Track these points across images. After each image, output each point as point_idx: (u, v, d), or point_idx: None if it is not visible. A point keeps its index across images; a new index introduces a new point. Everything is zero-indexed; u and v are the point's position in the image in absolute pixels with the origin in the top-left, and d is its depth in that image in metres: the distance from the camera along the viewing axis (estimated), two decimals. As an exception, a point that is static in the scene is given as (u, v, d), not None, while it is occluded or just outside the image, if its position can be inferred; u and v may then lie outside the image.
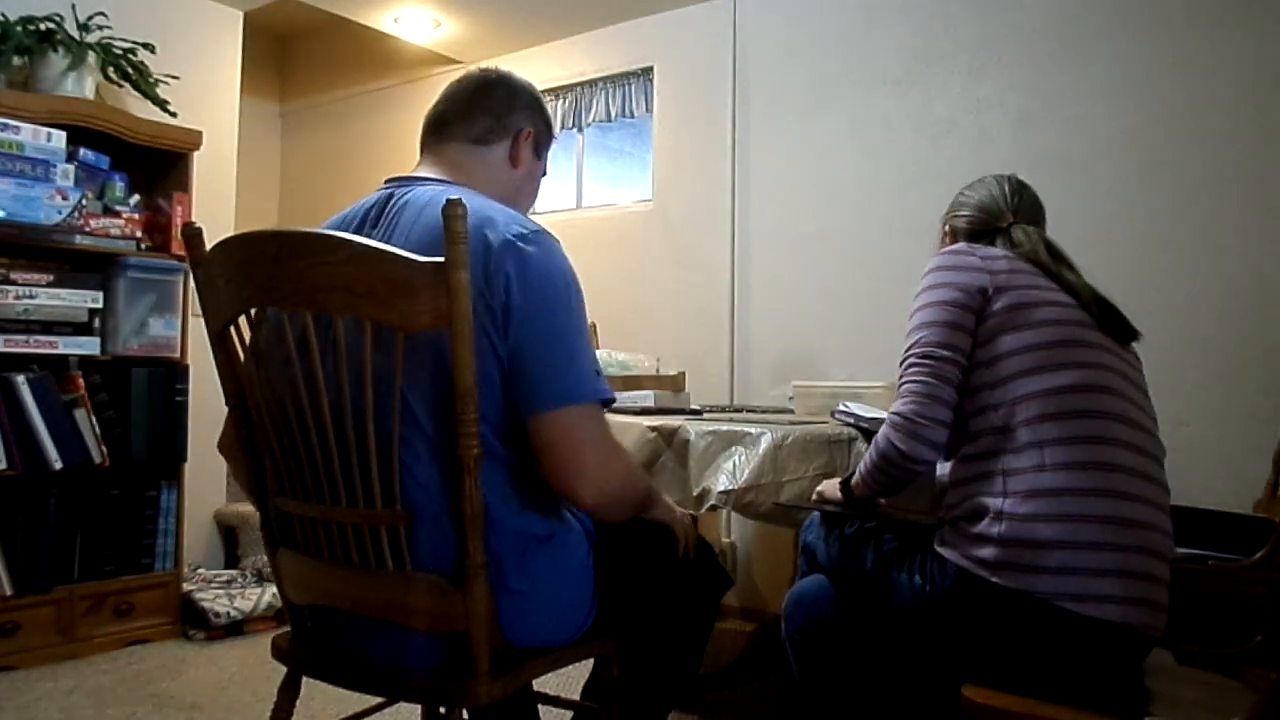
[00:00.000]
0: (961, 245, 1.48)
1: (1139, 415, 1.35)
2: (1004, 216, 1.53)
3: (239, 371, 1.25)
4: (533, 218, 1.27)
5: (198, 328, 2.51)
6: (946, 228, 1.64)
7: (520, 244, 1.14)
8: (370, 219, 1.25)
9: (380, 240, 1.15)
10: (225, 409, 1.30)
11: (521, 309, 1.12)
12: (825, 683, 1.56)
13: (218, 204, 3.30)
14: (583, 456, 1.15)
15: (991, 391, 1.35)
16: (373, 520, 1.11)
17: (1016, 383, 1.33)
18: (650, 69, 3.58)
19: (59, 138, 2.60)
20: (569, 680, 2.22)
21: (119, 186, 2.81)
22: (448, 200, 1.03)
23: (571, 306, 1.17)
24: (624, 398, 2.40)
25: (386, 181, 1.32)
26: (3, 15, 2.69)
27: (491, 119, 1.36)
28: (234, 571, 3.21)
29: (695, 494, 1.85)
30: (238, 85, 3.53)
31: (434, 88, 1.39)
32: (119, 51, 2.89)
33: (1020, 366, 1.33)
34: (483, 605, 1.09)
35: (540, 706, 1.60)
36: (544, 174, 1.47)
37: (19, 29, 2.67)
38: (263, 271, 1.12)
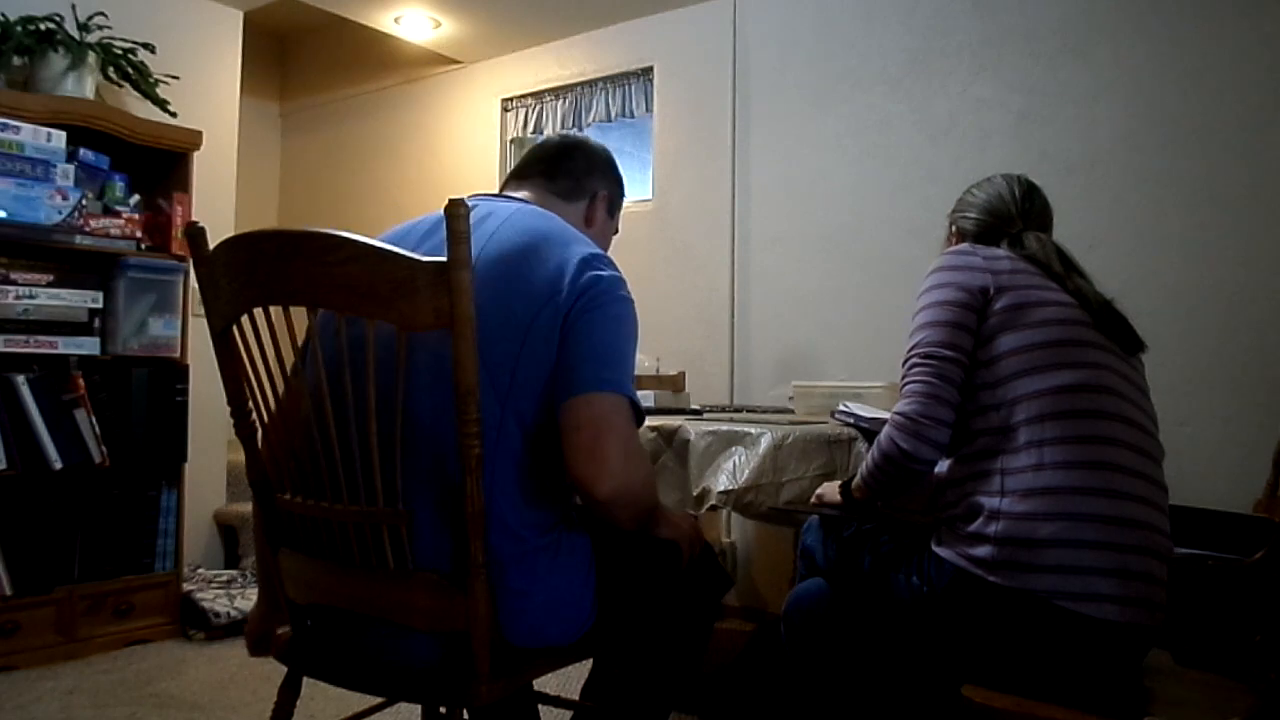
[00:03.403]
0: (965, 245, 1.48)
1: (1138, 415, 1.35)
2: (1013, 222, 1.51)
3: (240, 371, 1.25)
4: None
5: (198, 328, 2.51)
6: (954, 227, 1.62)
7: (598, 263, 1.23)
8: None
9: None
10: (225, 409, 1.30)
11: (580, 311, 1.18)
12: (824, 684, 1.56)
13: (218, 204, 3.30)
14: (609, 444, 1.15)
15: (991, 391, 1.35)
16: (374, 519, 1.11)
17: (1016, 382, 1.33)
18: (650, 69, 3.58)
19: (59, 138, 2.60)
20: (569, 680, 2.22)
21: (119, 186, 2.81)
22: (450, 200, 1.04)
23: (626, 323, 1.23)
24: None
25: (471, 196, 1.36)
26: (3, 15, 2.69)
27: (571, 181, 1.46)
28: (234, 571, 3.21)
29: (695, 494, 1.85)
30: (238, 85, 3.53)
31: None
32: (119, 51, 2.89)
33: (1019, 366, 1.33)
34: (483, 605, 1.09)
35: (540, 706, 1.60)
36: (615, 232, 1.56)
37: (19, 29, 2.67)
38: (265, 271, 1.13)
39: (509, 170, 1.51)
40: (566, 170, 1.46)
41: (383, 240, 1.28)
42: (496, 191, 1.46)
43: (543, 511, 1.19)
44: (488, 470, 1.11)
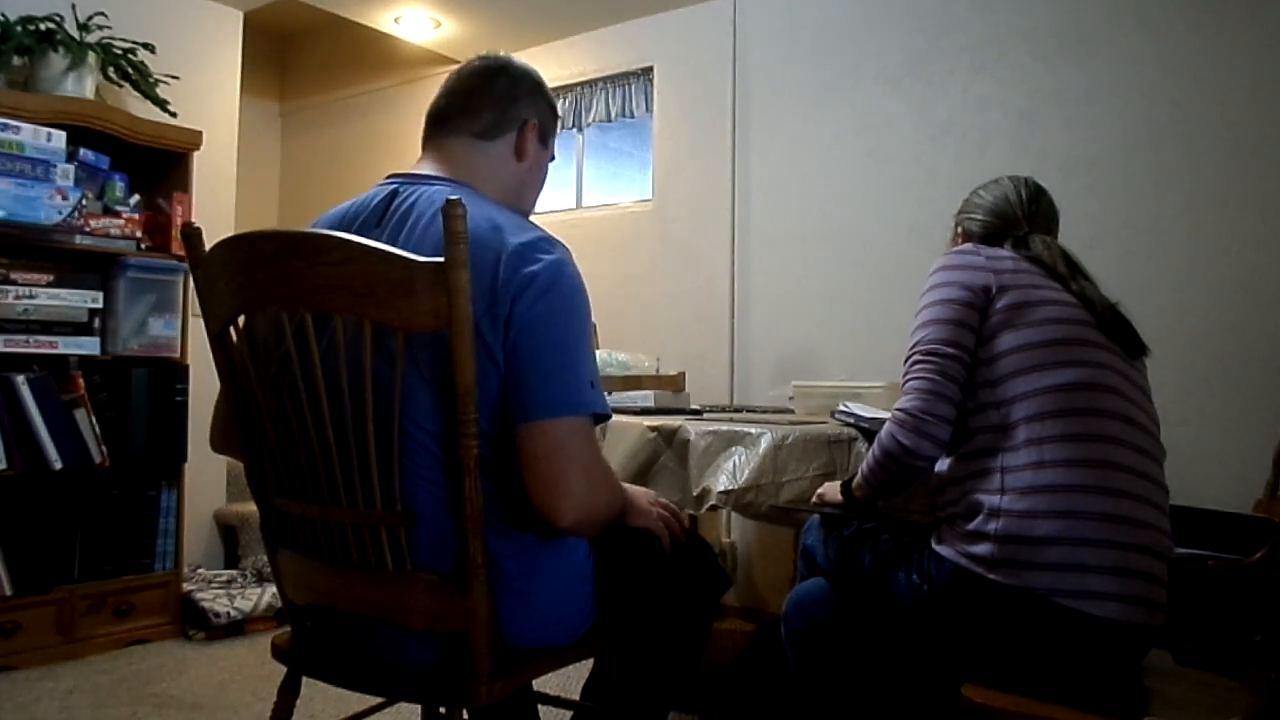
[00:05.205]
0: (968, 245, 1.48)
1: (1139, 415, 1.35)
2: (1019, 224, 1.51)
3: (239, 372, 1.25)
4: (534, 220, 1.26)
5: (198, 328, 2.50)
6: (959, 228, 1.62)
7: (530, 253, 1.13)
8: (374, 217, 1.23)
9: (387, 241, 1.14)
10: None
11: (523, 317, 1.10)
12: (825, 683, 1.56)
13: (218, 204, 3.30)
14: (568, 475, 1.11)
15: (991, 389, 1.35)
16: (373, 520, 1.11)
17: (1016, 381, 1.33)
18: (650, 69, 3.58)
19: (59, 138, 2.60)
20: (569, 680, 2.22)
21: (119, 186, 2.81)
22: (447, 200, 1.03)
23: (575, 316, 1.15)
24: (624, 398, 2.40)
25: (389, 177, 1.30)
26: (3, 15, 2.69)
27: (495, 113, 1.32)
28: (234, 571, 3.21)
29: (695, 494, 1.85)
30: (238, 85, 3.53)
31: (434, 88, 1.39)
32: (119, 51, 2.89)
33: (1020, 364, 1.33)
34: (483, 605, 1.09)
35: (540, 706, 1.60)
36: (551, 159, 1.43)
37: (19, 29, 2.67)
38: (262, 271, 1.12)
39: (430, 107, 1.35)
40: (488, 101, 1.31)
41: (320, 223, 1.26)
42: (421, 140, 1.36)
43: (532, 515, 1.18)
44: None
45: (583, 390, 1.13)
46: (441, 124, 1.33)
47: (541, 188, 1.43)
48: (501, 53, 1.38)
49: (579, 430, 1.12)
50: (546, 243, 1.16)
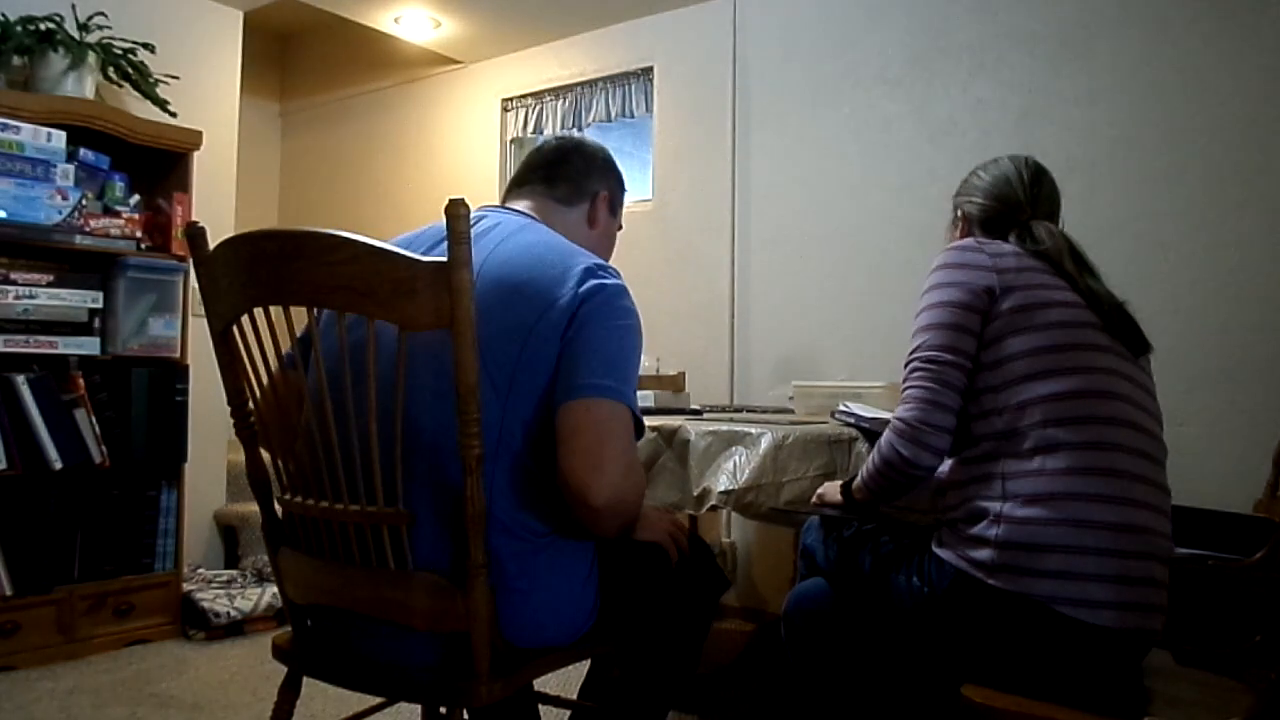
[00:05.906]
0: (970, 241, 1.44)
1: (1143, 419, 1.33)
2: (1022, 209, 1.47)
3: (240, 371, 1.25)
4: None
5: (198, 328, 2.51)
6: (959, 212, 1.58)
7: (602, 271, 1.23)
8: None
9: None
10: (225, 408, 1.31)
11: (587, 314, 1.18)
12: (825, 683, 1.56)
13: (218, 204, 3.30)
14: (608, 451, 1.13)
15: (996, 395, 1.33)
16: (374, 519, 1.11)
17: (1020, 386, 1.31)
18: (650, 69, 3.58)
19: (59, 138, 2.60)
20: (569, 680, 2.22)
21: (119, 186, 2.81)
22: (450, 200, 1.03)
23: (630, 334, 1.22)
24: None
25: (480, 207, 1.38)
26: (3, 15, 2.69)
27: (570, 186, 1.46)
28: (234, 571, 3.21)
29: (695, 494, 1.85)
30: (238, 85, 3.53)
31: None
32: (119, 51, 2.89)
33: (1026, 370, 1.31)
34: (483, 605, 1.09)
35: (540, 706, 1.60)
36: (619, 229, 1.56)
37: (19, 29, 2.67)
38: (265, 271, 1.13)
39: (509, 176, 1.51)
40: (564, 175, 1.46)
41: (399, 242, 1.29)
42: (499, 201, 1.47)
43: (543, 512, 1.19)
44: (488, 470, 1.11)
45: (630, 387, 1.19)
46: (522, 186, 1.47)
47: (610, 254, 1.54)
48: (575, 133, 1.50)
49: (621, 416, 1.17)
50: (616, 271, 1.28)
